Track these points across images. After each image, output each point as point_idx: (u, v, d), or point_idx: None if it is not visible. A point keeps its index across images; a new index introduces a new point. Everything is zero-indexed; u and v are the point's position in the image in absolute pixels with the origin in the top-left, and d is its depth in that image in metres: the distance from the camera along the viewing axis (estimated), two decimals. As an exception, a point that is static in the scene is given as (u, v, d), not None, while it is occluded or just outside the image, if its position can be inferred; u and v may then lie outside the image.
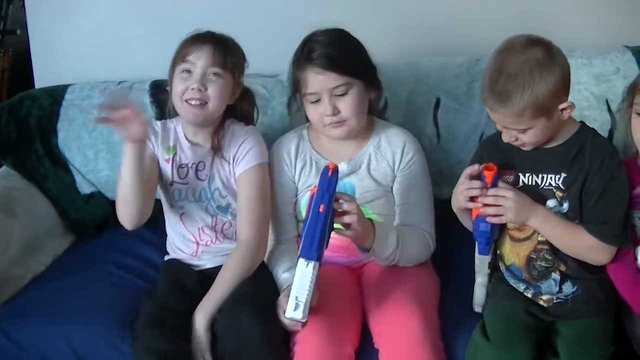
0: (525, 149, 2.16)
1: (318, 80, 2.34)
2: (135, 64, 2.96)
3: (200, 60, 2.37)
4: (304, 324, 2.13)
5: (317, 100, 2.36)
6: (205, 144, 2.48)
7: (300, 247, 2.07)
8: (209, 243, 2.50)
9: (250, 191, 2.42)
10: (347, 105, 2.36)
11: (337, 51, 2.38)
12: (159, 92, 2.86)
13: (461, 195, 2.17)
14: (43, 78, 3.20)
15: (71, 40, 3.19)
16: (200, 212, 2.49)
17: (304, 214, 2.41)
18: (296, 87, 2.43)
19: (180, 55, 2.40)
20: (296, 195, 2.49)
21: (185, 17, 3.03)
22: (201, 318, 2.22)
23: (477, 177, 2.16)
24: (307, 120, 2.54)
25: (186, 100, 2.37)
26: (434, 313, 2.26)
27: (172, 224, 2.55)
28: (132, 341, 2.21)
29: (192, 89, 2.35)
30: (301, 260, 2.05)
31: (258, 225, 2.40)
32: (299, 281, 2.03)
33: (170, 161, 2.48)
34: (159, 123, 2.55)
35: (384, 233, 2.30)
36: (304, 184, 2.48)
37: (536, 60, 2.01)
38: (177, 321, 2.21)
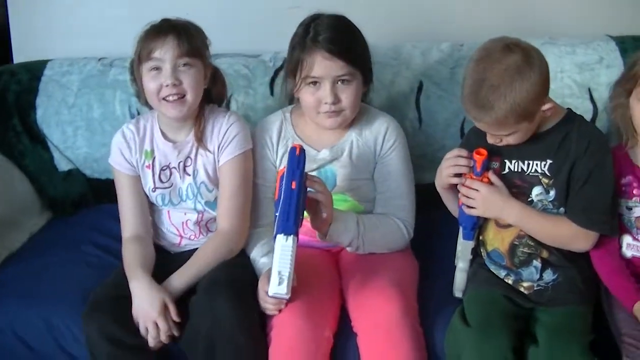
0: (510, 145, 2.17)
1: (324, 66, 2.31)
2: (116, 41, 2.91)
3: (167, 53, 2.28)
4: (287, 303, 2.13)
5: (315, 84, 2.34)
6: (188, 139, 2.43)
7: (276, 224, 2.06)
8: (192, 237, 2.47)
9: (233, 181, 2.38)
10: (348, 95, 2.35)
11: (346, 39, 2.35)
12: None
13: (445, 170, 2.18)
14: (22, 53, 3.16)
15: (51, 16, 3.14)
16: (185, 210, 2.45)
17: None
18: (295, 69, 2.37)
19: (144, 53, 2.30)
20: (276, 181, 2.47)
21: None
22: (164, 290, 2.21)
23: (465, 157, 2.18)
24: (290, 102, 2.52)
25: (163, 98, 2.32)
26: (413, 298, 2.26)
27: (155, 217, 2.51)
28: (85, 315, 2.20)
29: (167, 85, 2.29)
30: (280, 236, 2.04)
31: (239, 215, 2.38)
32: (280, 256, 2.02)
33: (151, 167, 2.43)
34: (131, 127, 2.46)
35: (342, 219, 2.29)
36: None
37: (515, 69, 2.00)
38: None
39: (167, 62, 2.29)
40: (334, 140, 2.46)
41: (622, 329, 2.08)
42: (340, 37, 2.33)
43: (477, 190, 2.15)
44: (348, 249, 2.35)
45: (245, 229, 2.39)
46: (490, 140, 2.14)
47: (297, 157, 2.12)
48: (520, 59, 2.01)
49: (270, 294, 2.04)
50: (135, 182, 2.42)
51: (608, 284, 2.15)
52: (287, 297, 2.05)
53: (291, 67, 2.38)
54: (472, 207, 2.18)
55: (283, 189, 2.08)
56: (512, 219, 2.17)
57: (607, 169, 2.12)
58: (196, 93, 2.35)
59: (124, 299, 2.21)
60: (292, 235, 2.03)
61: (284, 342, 2.13)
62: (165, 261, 2.36)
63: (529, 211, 2.15)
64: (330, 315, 2.23)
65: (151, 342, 2.17)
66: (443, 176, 2.21)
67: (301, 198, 2.09)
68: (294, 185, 2.07)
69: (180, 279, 2.25)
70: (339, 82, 2.33)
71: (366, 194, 2.44)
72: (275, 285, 2.02)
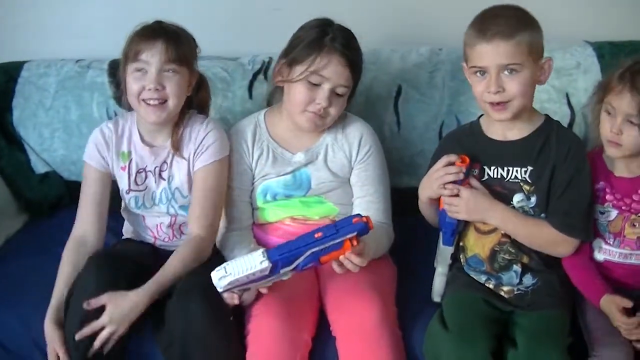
0: (505, 114, 2.14)
1: (336, 71, 2.31)
2: (94, 42, 2.91)
3: (153, 57, 2.27)
4: (262, 307, 2.16)
5: (315, 85, 2.32)
6: (165, 144, 2.41)
7: (277, 247, 2.05)
8: (166, 240, 2.47)
9: (206, 187, 2.37)
10: (337, 104, 2.37)
11: (358, 54, 2.40)
12: (118, 72, 2.80)
13: (436, 182, 2.18)
14: (-2, 54, 3.13)
15: (28, 17, 3.12)
16: (159, 213, 2.45)
17: (258, 202, 2.44)
18: (300, 61, 2.33)
19: (131, 53, 2.29)
20: (252, 184, 2.47)
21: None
22: (132, 299, 2.17)
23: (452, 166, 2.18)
24: (267, 105, 2.53)
25: (143, 100, 2.30)
26: (392, 301, 2.26)
27: (129, 220, 2.52)
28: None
29: (149, 89, 2.28)
30: (260, 252, 2.01)
31: (210, 223, 2.36)
32: (243, 259, 2.00)
33: (127, 169, 2.41)
34: (110, 126, 2.43)
35: (369, 249, 2.22)
36: (260, 172, 2.45)
37: (526, 14, 2.11)
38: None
39: (153, 66, 2.27)
40: (308, 143, 2.46)
41: (591, 326, 2.13)
42: (355, 50, 2.37)
43: (458, 196, 2.16)
44: None
45: (214, 237, 2.39)
46: (492, 88, 2.09)
47: (351, 226, 2.04)
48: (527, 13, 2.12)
49: (211, 274, 2.02)
50: (103, 179, 2.40)
51: (575, 282, 2.18)
52: (219, 289, 2.02)
53: (296, 58, 2.34)
54: (455, 211, 2.18)
55: (308, 233, 2.05)
56: (495, 221, 2.18)
57: (586, 175, 2.15)
58: (178, 100, 2.33)
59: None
60: (267, 261, 1.99)
61: (261, 345, 2.13)
62: (141, 257, 2.37)
63: (512, 213, 2.16)
64: (309, 318, 2.23)
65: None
66: (434, 187, 2.19)
67: (313, 251, 2.02)
68: (317, 235, 2.02)
69: (151, 288, 2.20)
70: (336, 93, 2.34)
71: (341, 197, 2.45)
72: (216, 270, 2.00)
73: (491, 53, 2.08)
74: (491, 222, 2.19)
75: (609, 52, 2.81)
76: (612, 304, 2.06)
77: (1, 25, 3.14)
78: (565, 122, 2.70)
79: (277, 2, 2.41)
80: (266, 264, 1.99)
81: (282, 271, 2.03)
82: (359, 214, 2.09)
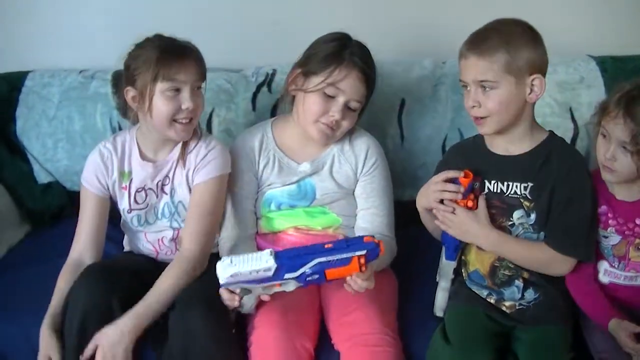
0: (484, 129, 2.16)
1: (352, 85, 2.33)
2: (98, 53, 2.91)
3: (188, 77, 2.26)
4: (260, 317, 2.16)
5: (331, 97, 2.33)
6: (169, 158, 2.40)
7: (285, 250, 2.05)
8: (168, 253, 2.46)
9: (203, 202, 2.35)
10: (350, 118, 2.38)
11: (373, 72, 2.42)
12: (122, 82, 2.81)
13: (433, 194, 2.18)
14: (2, 64, 3.10)
15: (32, 27, 3.12)
16: (161, 228, 2.44)
17: (263, 211, 2.44)
18: (318, 71, 2.34)
19: (162, 74, 2.23)
20: (257, 192, 2.47)
21: (148, 9, 3.01)
22: (119, 329, 2.14)
23: (452, 181, 2.17)
24: (272, 115, 2.53)
25: (175, 120, 2.29)
26: (393, 314, 2.27)
27: (130, 235, 2.51)
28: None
29: (186, 108, 2.27)
30: (267, 251, 2.01)
31: (204, 240, 2.34)
32: (250, 257, 2.00)
33: (127, 188, 2.41)
34: (109, 146, 2.41)
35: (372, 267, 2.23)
36: (265, 180, 2.46)
37: (522, 30, 2.09)
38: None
39: (188, 85, 2.27)
40: (315, 154, 2.47)
41: (600, 347, 2.11)
42: (372, 67, 2.40)
43: (452, 212, 2.16)
44: None
45: (207, 255, 2.35)
46: (468, 102, 2.14)
47: (370, 251, 2.01)
48: (529, 29, 2.10)
49: (217, 265, 2.02)
50: (101, 203, 2.40)
51: (581, 306, 2.17)
52: (221, 282, 2.02)
53: (313, 68, 2.35)
54: (448, 228, 2.19)
55: (321, 245, 2.04)
56: (487, 246, 2.18)
57: (587, 195, 2.13)
58: (200, 114, 2.36)
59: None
60: (274, 262, 1.99)
61: (264, 356, 2.13)
62: (140, 270, 2.34)
63: (505, 239, 2.16)
64: (310, 328, 2.23)
65: None
66: (430, 200, 2.20)
67: (320, 262, 2.00)
68: (328, 246, 2.02)
69: (126, 324, 2.15)
70: (349, 107, 2.36)
71: (345, 208, 2.45)
72: (221, 261, 2.00)
73: (467, 69, 2.12)
74: (483, 247, 2.19)
75: (612, 66, 2.82)
76: (620, 330, 2.05)
77: (5, 34, 3.15)
78: (568, 137, 2.71)
79: (277, 15, 2.41)
80: (272, 263, 1.99)
81: (286, 276, 2.02)
82: (372, 235, 2.07)
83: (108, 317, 2.13)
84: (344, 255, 2.01)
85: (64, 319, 2.18)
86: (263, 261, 1.99)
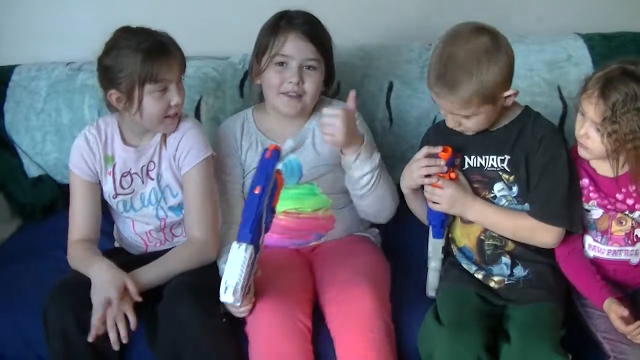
0: (468, 133, 2.19)
1: (296, 46, 2.38)
2: (85, 45, 2.88)
3: (174, 75, 2.28)
4: (251, 310, 2.15)
5: (282, 64, 2.38)
6: (152, 142, 2.38)
7: (240, 228, 2.03)
8: (158, 245, 2.46)
9: (197, 190, 2.35)
10: (311, 81, 2.41)
11: (319, 29, 2.45)
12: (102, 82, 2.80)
13: (417, 170, 2.18)
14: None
15: (18, 20, 3.11)
16: (148, 217, 2.43)
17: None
18: (263, 51, 2.41)
19: (149, 77, 2.22)
20: (243, 177, 2.49)
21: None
22: (125, 273, 2.17)
23: (433, 157, 2.18)
24: (260, 100, 2.54)
25: (167, 117, 2.30)
26: (385, 293, 2.27)
27: (119, 226, 2.51)
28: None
29: (176, 104, 2.28)
30: (234, 244, 2.00)
31: (210, 224, 2.34)
32: (229, 264, 1.99)
33: (112, 173, 2.39)
34: (93, 131, 2.39)
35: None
36: (250, 164, 2.47)
37: (484, 50, 2.04)
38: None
39: (174, 82, 2.28)
40: (295, 130, 2.49)
41: (601, 327, 2.11)
42: (314, 25, 2.43)
43: (441, 188, 2.17)
44: (364, 179, 2.34)
45: (217, 238, 2.36)
46: (449, 123, 2.17)
47: (266, 161, 2.05)
48: (489, 41, 2.05)
49: (221, 299, 2.01)
50: (92, 188, 2.38)
51: (574, 282, 2.17)
52: (237, 304, 2.04)
53: (258, 51, 2.43)
54: (436, 203, 2.20)
55: (248, 194, 2.05)
56: (474, 216, 2.19)
57: (562, 162, 2.13)
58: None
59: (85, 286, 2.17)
60: (245, 244, 1.99)
61: (260, 329, 2.15)
62: (130, 264, 2.28)
63: (489, 208, 2.18)
64: (304, 304, 2.24)
65: (99, 327, 2.11)
66: (415, 177, 2.21)
67: (265, 203, 2.02)
68: (257, 190, 2.01)
69: (147, 273, 2.22)
70: (305, 68, 2.39)
71: (333, 184, 2.47)
72: (222, 293, 1.98)
73: (442, 103, 2.12)
74: (470, 218, 2.20)
75: (599, 43, 2.81)
76: (610, 312, 2.05)
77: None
78: (557, 115, 2.70)
79: (268, 2, 2.41)
80: (248, 248, 1.98)
81: (260, 241, 2.04)
82: (266, 148, 2.09)
83: (88, 327, 2.12)
84: (270, 181, 2.03)
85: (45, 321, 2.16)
86: (241, 254, 1.98)
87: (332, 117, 2.22)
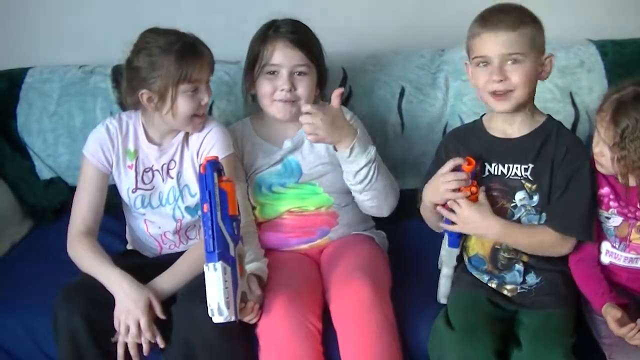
0: (505, 105, 2.14)
1: (284, 54, 2.41)
2: (97, 48, 2.92)
3: (204, 75, 2.33)
4: (261, 312, 2.17)
5: (274, 73, 2.42)
6: (174, 141, 2.40)
7: (205, 248, 2.02)
8: (172, 247, 2.46)
9: None
10: (304, 86, 2.43)
11: (306, 35, 2.47)
12: (121, 77, 2.80)
13: (443, 185, 2.17)
14: (1, 60, 3.09)
15: (31, 23, 3.13)
16: (164, 217, 2.43)
17: (257, 197, 2.50)
18: (254, 61, 2.46)
19: (184, 77, 2.25)
20: (246, 180, 2.51)
21: (147, 3, 3.00)
22: (148, 288, 2.19)
23: (457, 169, 2.17)
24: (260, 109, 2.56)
25: (195, 116, 2.34)
26: (385, 288, 2.28)
27: (133, 226, 2.50)
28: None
29: (204, 103, 2.34)
30: (204, 267, 2.00)
31: None
32: (207, 288, 1.99)
33: (134, 167, 2.40)
34: (115, 122, 2.41)
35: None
36: (251, 166, 2.51)
37: (530, 11, 2.14)
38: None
39: (204, 82, 2.33)
40: (292, 133, 2.52)
41: (602, 332, 2.11)
42: (301, 31, 2.46)
43: (459, 206, 2.16)
44: (361, 173, 2.35)
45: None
46: (491, 77, 2.12)
47: (203, 177, 2.03)
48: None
49: (214, 322, 2.01)
50: (102, 178, 2.38)
51: (581, 287, 2.17)
52: (234, 319, 2.02)
53: (250, 61, 2.48)
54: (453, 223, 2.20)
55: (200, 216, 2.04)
56: (490, 236, 2.19)
57: (585, 176, 2.13)
58: None
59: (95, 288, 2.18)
60: (213, 263, 1.98)
61: (271, 330, 2.16)
62: (146, 267, 2.31)
63: (509, 229, 2.16)
64: (314, 306, 2.25)
65: (131, 343, 2.14)
66: (441, 192, 2.18)
67: (217, 216, 2.01)
68: (205, 209, 2.01)
69: (169, 280, 2.23)
70: (296, 74, 2.42)
71: (333, 183, 2.49)
72: (211, 317, 1.99)
73: (495, 42, 2.10)
74: (486, 237, 2.21)
75: (612, 50, 2.81)
76: (607, 314, 2.05)
77: (4, 31, 3.15)
78: (569, 122, 2.71)
79: (276, 8, 2.42)
80: (217, 266, 1.98)
81: (232, 253, 2.03)
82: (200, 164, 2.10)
83: (97, 328, 2.13)
84: (217, 192, 2.02)
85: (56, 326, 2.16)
86: (217, 275, 1.98)
87: (309, 117, 2.24)
